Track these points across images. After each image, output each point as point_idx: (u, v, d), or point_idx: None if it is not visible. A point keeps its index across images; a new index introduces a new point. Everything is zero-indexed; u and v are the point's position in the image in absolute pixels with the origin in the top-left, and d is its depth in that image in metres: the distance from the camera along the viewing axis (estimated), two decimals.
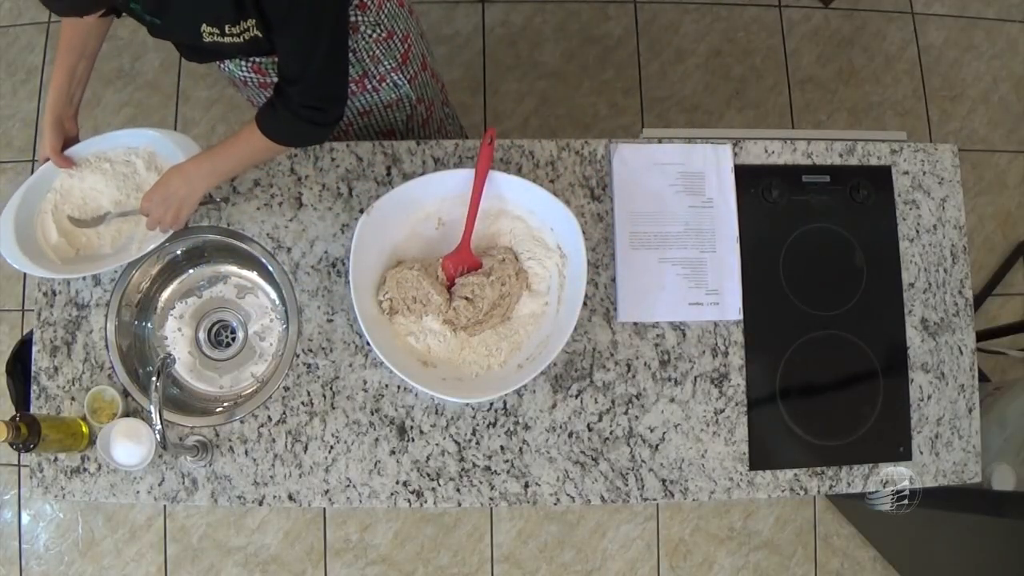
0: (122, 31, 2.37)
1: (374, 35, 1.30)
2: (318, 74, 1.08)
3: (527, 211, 1.28)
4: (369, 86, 1.37)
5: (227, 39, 1.08)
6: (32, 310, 1.33)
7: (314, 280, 1.31)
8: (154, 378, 1.09)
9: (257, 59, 1.28)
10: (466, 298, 1.25)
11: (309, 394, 1.28)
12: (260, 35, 1.08)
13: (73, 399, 1.28)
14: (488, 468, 1.28)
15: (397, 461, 1.27)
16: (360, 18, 1.26)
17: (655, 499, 1.29)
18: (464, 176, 1.25)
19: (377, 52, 1.32)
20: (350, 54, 1.30)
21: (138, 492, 1.25)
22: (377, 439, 1.27)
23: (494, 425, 1.28)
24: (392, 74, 1.37)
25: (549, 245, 1.28)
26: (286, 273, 1.31)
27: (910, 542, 1.92)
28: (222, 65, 1.33)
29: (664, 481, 1.29)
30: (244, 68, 1.31)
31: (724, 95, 2.41)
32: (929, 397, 1.36)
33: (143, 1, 1.03)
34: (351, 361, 1.29)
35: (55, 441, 1.18)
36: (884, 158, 1.42)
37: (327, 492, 1.26)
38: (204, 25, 1.07)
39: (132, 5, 1.05)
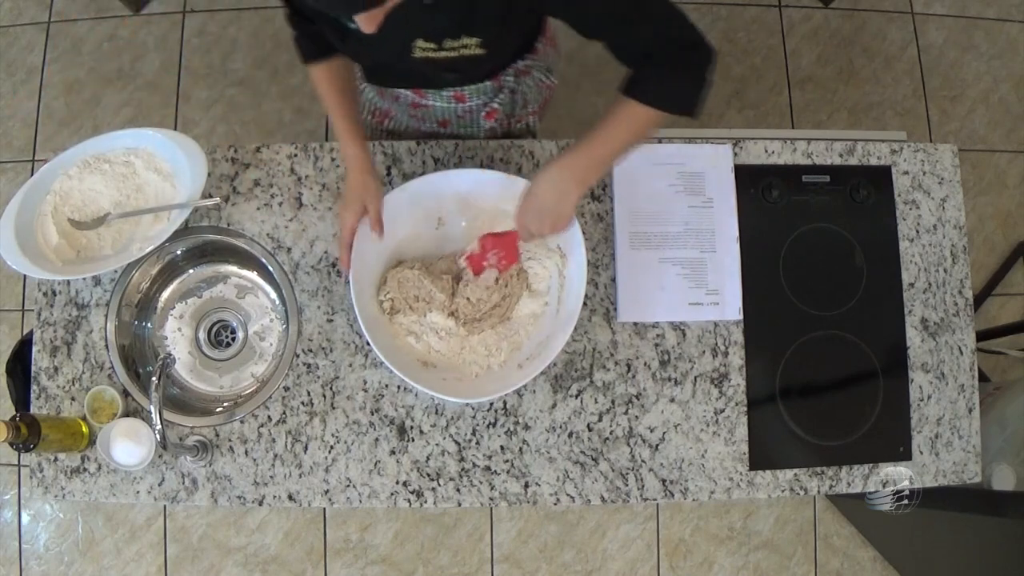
0: (122, 31, 2.37)
1: (540, 81, 1.34)
2: (671, 32, 0.98)
3: None
4: (507, 124, 1.40)
5: (441, 54, 1.05)
6: (32, 310, 1.33)
7: (314, 280, 1.31)
8: (154, 378, 1.09)
9: (459, 88, 1.26)
10: (467, 299, 1.25)
11: (309, 394, 1.28)
12: (481, 53, 1.05)
13: (73, 399, 1.28)
14: (488, 468, 1.28)
15: (397, 461, 1.27)
16: (532, 63, 1.29)
17: (655, 499, 1.29)
18: (465, 176, 1.25)
19: (530, 96, 1.36)
20: (510, 95, 1.32)
21: (138, 492, 1.25)
22: (377, 439, 1.27)
23: (494, 425, 1.28)
24: (530, 116, 1.42)
25: (549, 245, 1.28)
26: (286, 273, 1.31)
27: (910, 542, 1.92)
28: (424, 99, 1.30)
29: (664, 481, 1.29)
30: (446, 98, 1.29)
31: (724, 95, 2.41)
32: (929, 397, 1.36)
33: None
34: (351, 361, 1.29)
35: (55, 441, 1.18)
36: (884, 158, 1.42)
37: (327, 492, 1.26)
38: (419, 40, 1.03)
39: (343, 19, 1.00)
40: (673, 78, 1.01)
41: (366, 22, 0.84)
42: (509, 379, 1.21)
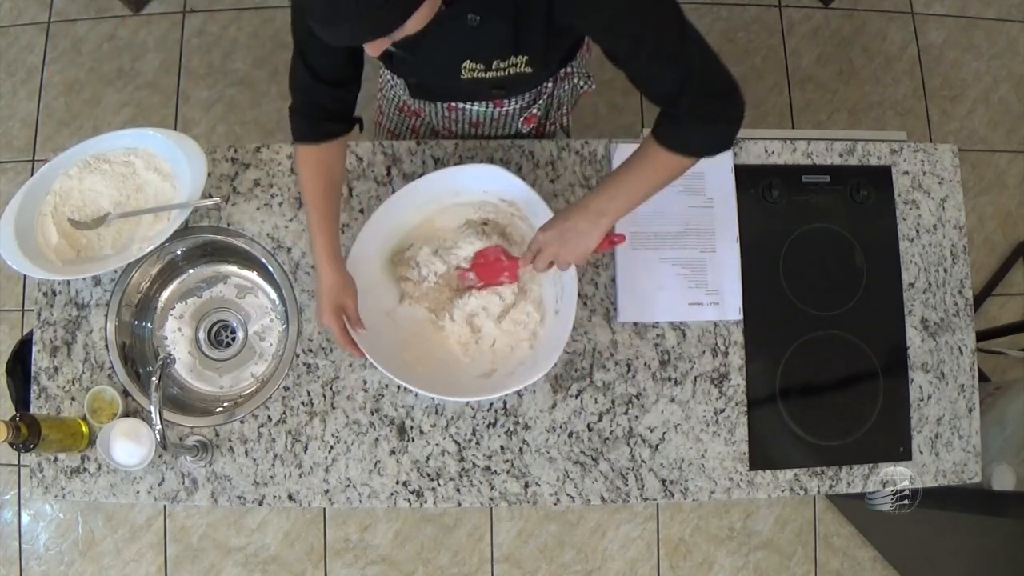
0: (122, 31, 2.37)
1: (577, 86, 1.34)
2: (700, 79, 0.96)
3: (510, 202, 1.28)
4: (543, 127, 1.42)
5: (489, 75, 1.05)
6: (32, 310, 1.33)
7: (314, 280, 1.31)
8: (154, 378, 1.09)
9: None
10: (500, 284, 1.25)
11: (309, 394, 1.28)
12: (529, 71, 1.04)
13: (73, 399, 1.28)
14: (488, 468, 1.28)
15: (397, 461, 1.27)
16: (575, 69, 1.29)
17: (655, 499, 1.29)
18: (465, 172, 1.25)
19: (565, 100, 1.38)
20: (548, 99, 1.33)
21: (138, 492, 1.25)
22: (377, 439, 1.27)
23: (494, 425, 1.28)
24: (565, 116, 1.44)
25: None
26: (286, 273, 1.31)
27: (910, 542, 1.92)
28: (459, 106, 1.29)
29: (664, 481, 1.29)
30: (485, 103, 1.28)
31: None
32: (929, 397, 1.36)
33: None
34: (351, 361, 1.29)
35: (55, 441, 1.18)
36: (884, 158, 1.42)
37: (327, 492, 1.26)
38: (467, 62, 1.03)
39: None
40: (703, 126, 0.99)
41: (371, 48, 0.84)
42: (509, 379, 1.21)
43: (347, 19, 0.74)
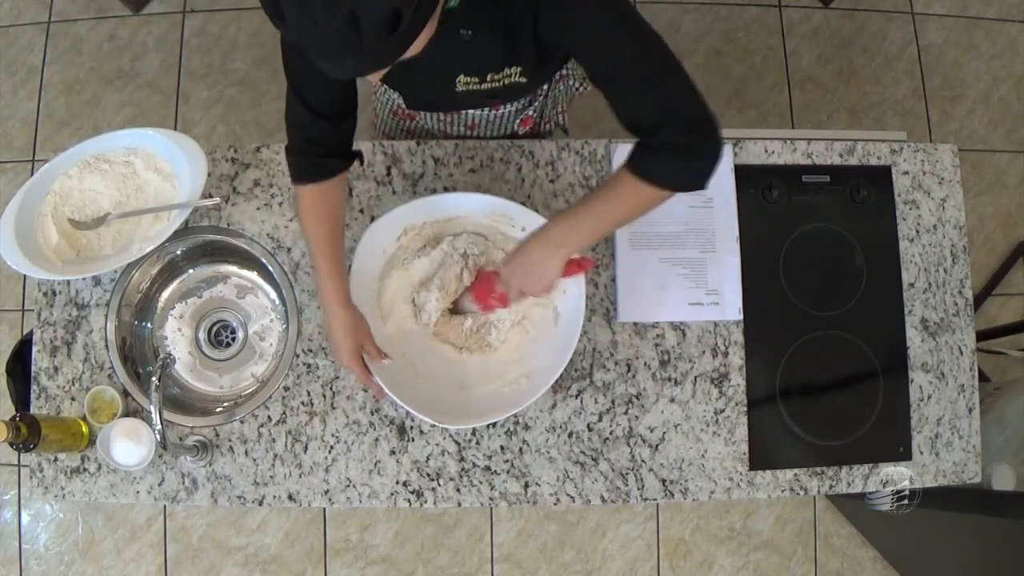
0: (122, 31, 2.37)
1: (573, 88, 1.35)
2: (679, 110, 0.93)
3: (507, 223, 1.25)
4: (539, 127, 1.41)
5: (484, 86, 1.05)
6: (32, 310, 1.33)
7: (314, 280, 1.31)
8: (154, 378, 1.09)
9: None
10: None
11: (309, 394, 1.28)
12: (523, 81, 1.04)
13: (73, 399, 1.28)
14: (488, 468, 1.28)
15: (397, 461, 1.27)
16: (570, 71, 1.30)
17: (655, 499, 1.28)
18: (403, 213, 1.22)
19: (560, 99, 1.38)
20: (543, 100, 1.33)
21: (138, 492, 1.25)
22: (377, 439, 1.27)
23: (494, 425, 1.28)
24: (560, 115, 1.44)
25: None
26: (286, 273, 1.31)
27: (910, 542, 1.92)
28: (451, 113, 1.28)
29: (664, 481, 1.29)
30: (480, 108, 1.27)
31: (724, 95, 2.41)
32: (929, 397, 1.36)
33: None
34: None
35: (55, 441, 1.18)
36: (884, 158, 1.42)
37: (327, 492, 1.26)
38: (462, 76, 1.04)
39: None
40: (680, 159, 0.95)
41: (372, 75, 0.84)
42: (513, 396, 1.19)
43: (351, 54, 0.74)
